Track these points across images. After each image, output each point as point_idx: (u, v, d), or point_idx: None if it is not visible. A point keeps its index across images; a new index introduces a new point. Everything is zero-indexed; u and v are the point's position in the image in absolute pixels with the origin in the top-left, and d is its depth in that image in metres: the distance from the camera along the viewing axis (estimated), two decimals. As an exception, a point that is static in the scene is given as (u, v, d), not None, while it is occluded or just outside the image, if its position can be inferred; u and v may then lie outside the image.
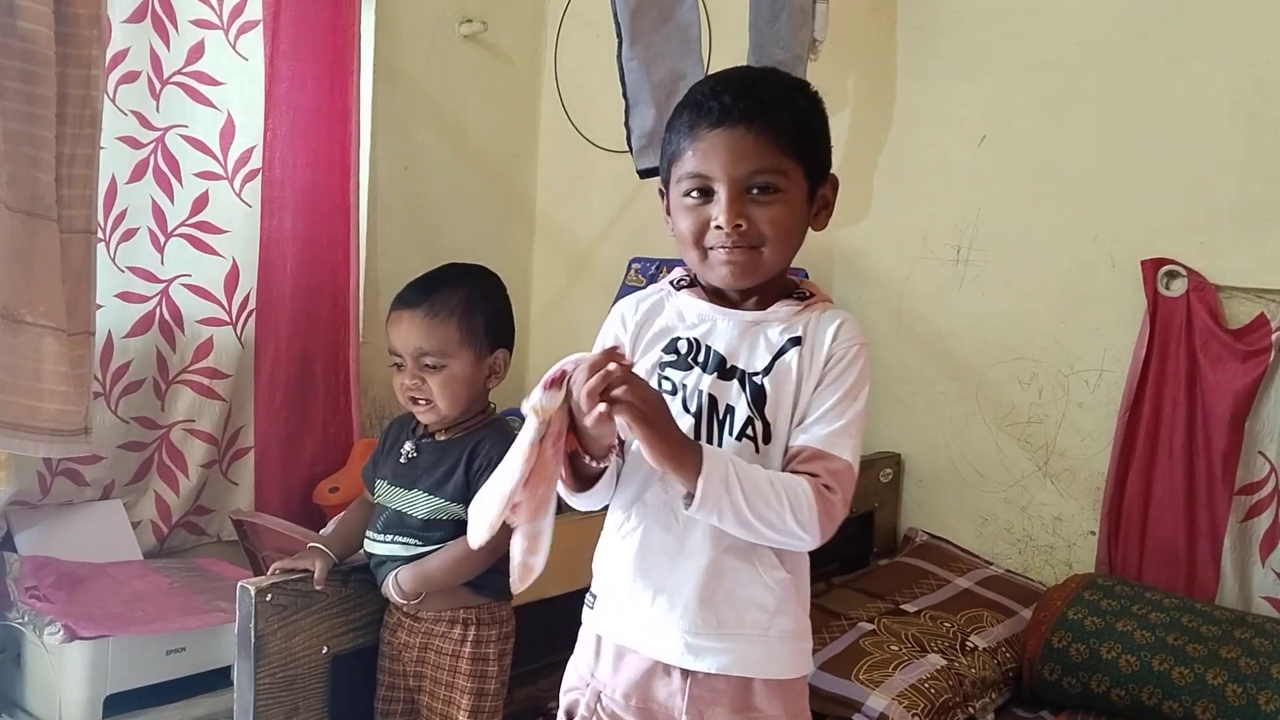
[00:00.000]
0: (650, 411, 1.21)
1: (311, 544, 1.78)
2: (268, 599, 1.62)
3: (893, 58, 2.84)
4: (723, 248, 1.33)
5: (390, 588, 1.72)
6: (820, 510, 1.27)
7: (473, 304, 1.75)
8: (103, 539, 2.53)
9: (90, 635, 2.10)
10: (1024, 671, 2.21)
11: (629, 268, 3.13)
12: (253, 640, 1.61)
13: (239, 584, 1.62)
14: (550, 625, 1.71)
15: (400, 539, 1.74)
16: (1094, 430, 2.53)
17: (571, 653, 1.48)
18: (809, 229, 1.40)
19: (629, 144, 2.49)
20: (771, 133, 1.31)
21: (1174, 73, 2.41)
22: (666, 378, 1.37)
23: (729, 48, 2.77)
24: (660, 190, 1.44)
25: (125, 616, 2.19)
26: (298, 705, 1.68)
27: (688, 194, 1.35)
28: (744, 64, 2.59)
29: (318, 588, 1.68)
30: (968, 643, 2.22)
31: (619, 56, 2.41)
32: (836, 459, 1.31)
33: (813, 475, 1.29)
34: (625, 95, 2.45)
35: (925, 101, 2.79)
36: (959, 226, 2.72)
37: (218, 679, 2.27)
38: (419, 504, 1.74)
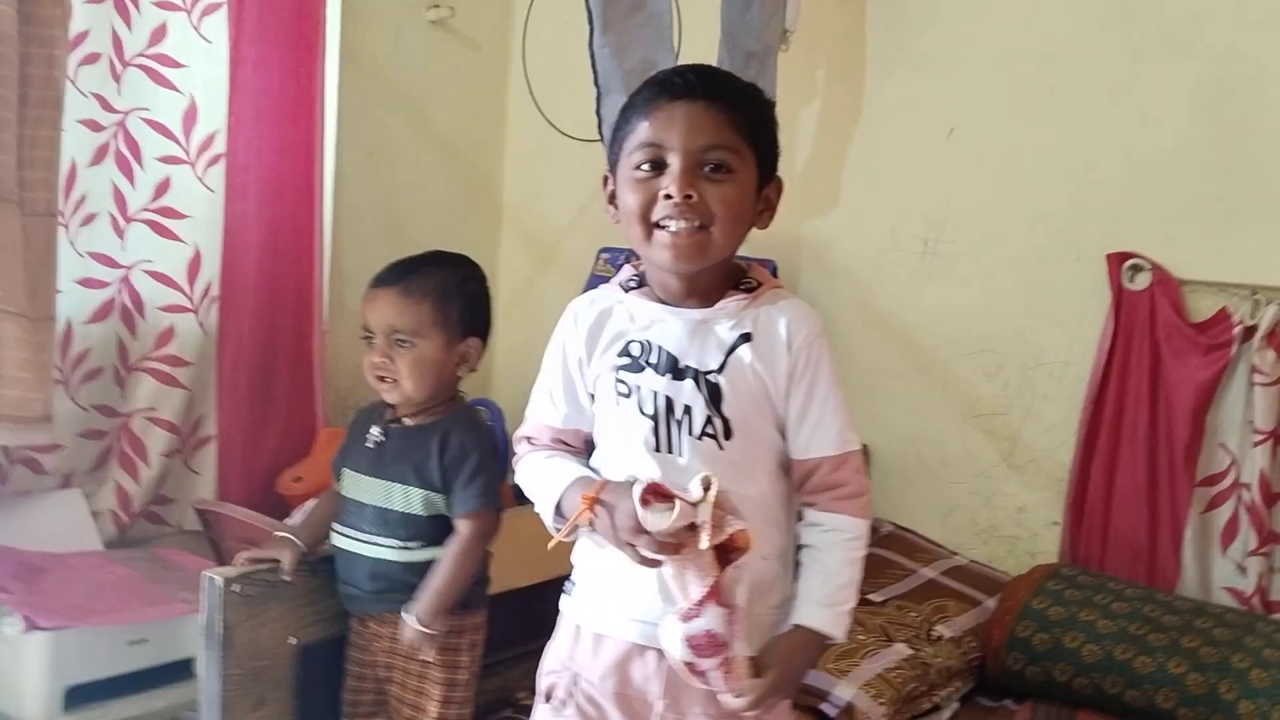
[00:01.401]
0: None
1: (280, 534, 1.77)
2: (235, 589, 1.60)
3: (862, 50, 2.84)
4: (670, 221, 1.31)
5: (413, 636, 1.67)
6: (862, 520, 1.38)
7: (449, 288, 1.74)
8: (62, 529, 2.48)
9: (50, 626, 2.06)
10: (988, 660, 2.23)
11: (597, 257, 3.12)
12: (219, 631, 1.59)
13: (205, 574, 1.60)
14: (521, 616, 1.70)
15: (382, 540, 1.71)
16: (1058, 422, 2.55)
17: (547, 640, 1.48)
18: (751, 224, 1.40)
19: (600, 132, 2.48)
20: (731, 112, 1.32)
21: (1140, 68, 2.43)
22: (621, 380, 1.38)
23: (699, 37, 2.76)
24: (604, 177, 1.42)
25: (86, 607, 2.15)
26: (264, 697, 1.67)
27: (639, 166, 1.33)
28: (714, 53, 2.60)
29: (286, 578, 1.67)
30: (933, 632, 2.23)
31: (590, 44, 2.40)
32: (851, 455, 1.38)
33: (841, 494, 1.36)
34: (596, 83, 2.44)
35: (894, 94, 2.80)
36: (927, 219, 2.74)
37: (180, 670, 2.24)
38: (395, 496, 1.71)
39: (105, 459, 2.67)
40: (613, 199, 1.40)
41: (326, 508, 1.85)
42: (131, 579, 2.33)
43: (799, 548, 1.41)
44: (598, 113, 2.47)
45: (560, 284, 3.36)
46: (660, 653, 1.34)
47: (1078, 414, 2.49)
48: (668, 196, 1.30)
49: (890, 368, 2.80)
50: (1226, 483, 2.34)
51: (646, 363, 1.36)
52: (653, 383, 1.35)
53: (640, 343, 1.38)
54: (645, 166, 1.33)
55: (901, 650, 2.13)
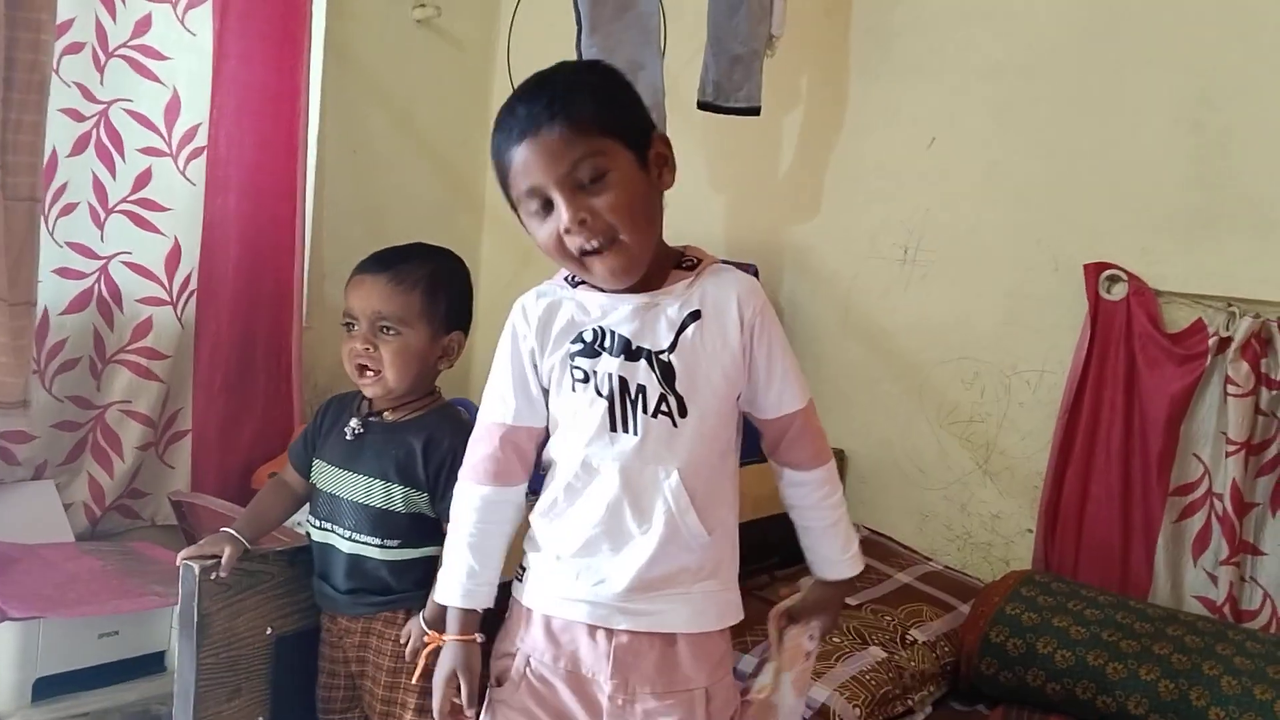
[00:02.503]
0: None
1: (222, 529, 1.71)
2: (211, 577, 1.59)
3: (846, 58, 2.86)
4: (588, 248, 1.34)
5: (419, 638, 1.65)
6: (832, 460, 1.53)
7: (438, 280, 1.73)
8: (34, 520, 2.47)
9: (20, 616, 2.04)
10: (962, 665, 2.23)
11: (578, 258, 3.12)
12: (195, 620, 1.58)
13: (183, 561, 1.59)
14: (501, 607, 1.69)
15: (360, 536, 1.69)
16: (1034, 430, 2.57)
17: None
18: (660, 191, 1.43)
19: (584, 132, 2.49)
20: (571, 122, 1.33)
21: (1121, 81, 2.45)
22: (577, 366, 1.41)
23: (686, 41, 2.77)
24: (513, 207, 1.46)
25: (57, 598, 2.13)
26: (240, 687, 1.65)
27: (532, 213, 1.37)
28: (701, 58, 2.61)
29: (223, 574, 1.62)
30: (908, 636, 2.24)
31: (578, 44, 2.40)
32: (811, 403, 1.50)
33: (813, 450, 1.49)
34: (583, 84, 2.44)
35: (876, 102, 2.82)
36: (907, 227, 2.75)
37: (151, 663, 2.23)
38: (374, 492, 1.69)
39: (79, 451, 2.66)
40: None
41: (271, 499, 1.82)
42: (103, 571, 2.32)
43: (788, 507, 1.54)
44: (583, 113, 2.47)
45: (540, 282, 3.35)
46: (609, 632, 1.40)
47: (1053, 422, 2.51)
48: (566, 230, 1.33)
49: (869, 374, 2.81)
50: (1199, 492, 2.36)
51: (601, 347, 1.40)
52: (608, 365, 1.39)
53: (594, 329, 1.41)
54: (534, 208, 1.36)
55: (876, 654, 2.13)
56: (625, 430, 1.38)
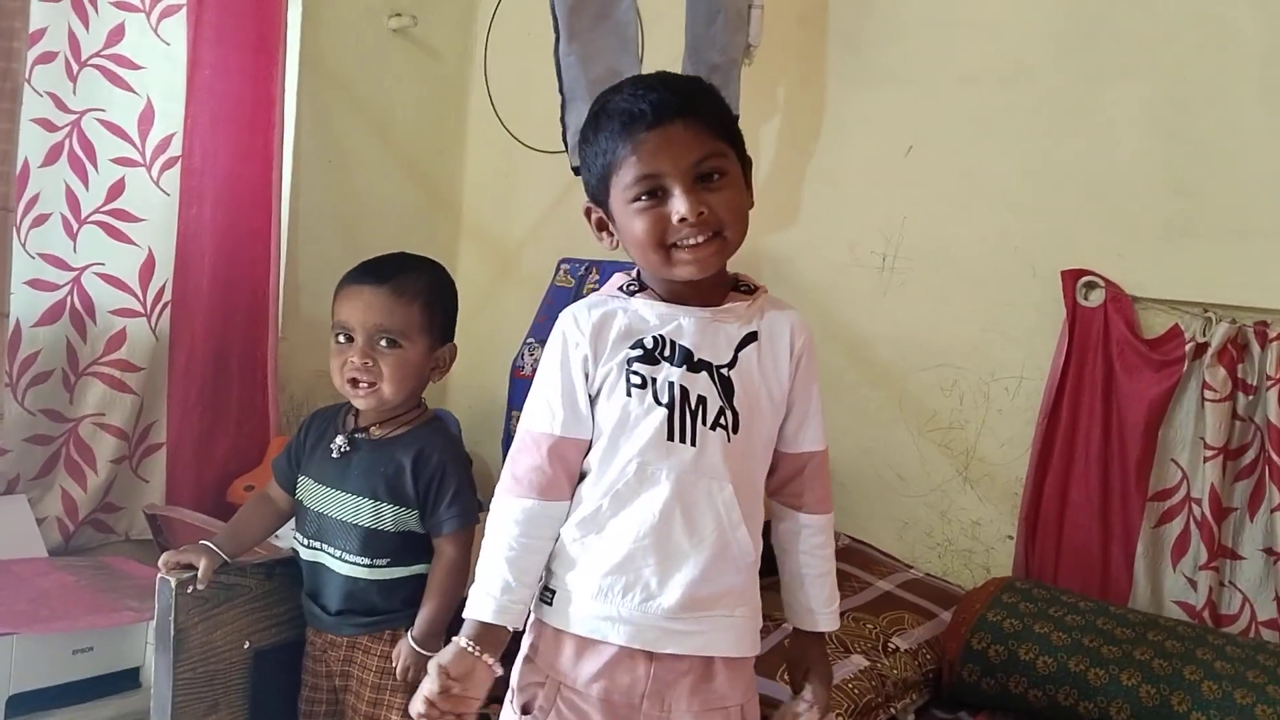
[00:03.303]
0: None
1: (200, 542, 1.69)
2: (189, 591, 1.57)
3: (822, 67, 2.87)
4: (689, 241, 1.34)
5: (410, 657, 1.64)
6: (832, 513, 1.53)
7: (435, 292, 1.72)
8: (6, 535, 2.43)
9: (-7, 632, 2.02)
10: (944, 672, 2.23)
11: (558, 268, 3.11)
12: (172, 634, 1.56)
13: (160, 575, 1.57)
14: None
15: (351, 557, 1.67)
16: (1013, 437, 2.57)
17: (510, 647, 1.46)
18: None
19: (564, 140, 2.48)
20: (704, 121, 1.35)
21: (1096, 88, 2.47)
22: (635, 373, 1.39)
23: (664, 49, 2.77)
24: (587, 209, 1.45)
25: (30, 614, 2.10)
26: (218, 701, 1.63)
27: (638, 198, 1.36)
28: (679, 65, 2.61)
29: (201, 587, 1.60)
30: (890, 644, 2.23)
31: (556, 52, 2.40)
32: (826, 452, 1.52)
33: (822, 495, 1.50)
34: (561, 91, 2.44)
35: (853, 111, 2.82)
36: (885, 235, 2.76)
37: (126, 680, 2.20)
38: (363, 512, 1.67)
39: (52, 465, 2.63)
40: (601, 227, 1.44)
41: (254, 513, 1.79)
42: (77, 587, 2.29)
43: (782, 550, 1.53)
44: (562, 120, 2.47)
45: (520, 295, 3.35)
46: (648, 655, 1.36)
47: (1032, 429, 2.51)
48: (682, 220, 1.33)
49: (848, 381, 2.81)
50: (1178, 498, 2.37)
51: (661, 356, 1.39)
52: (669, 373, 1.38)
53: (655, 337, 1.40)
54: (644, 197, 1.35)
55: (859, 662, 2.13)
56: (684, 440, 1.36)
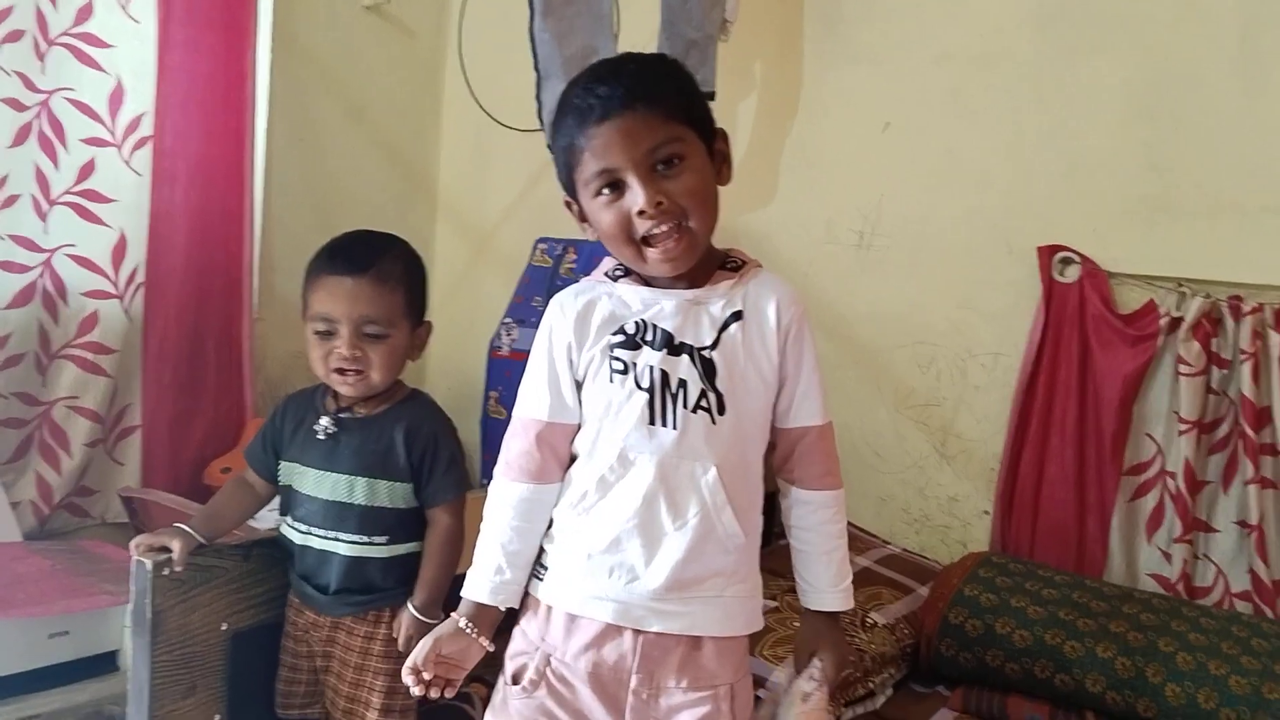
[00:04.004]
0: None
1: (175, 524, 1.66)
2: (165, 573, 1.56)
3: (799, 44, 2.86)
4: (655, 235, 1.34)
5: (413, 626, 1.62)
6: (841, 489, 1.49)
7: (412, 273, 1.69)
8: (-21, 519, 2.42)
9: (-33, 618, 2.00)
10: (922, 647, 2.25)
11: (534, 248, 3.10)
12: (149, 616, 1.54)
13: (135, 557, 1.55)
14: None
15: (345, 536, 1.65)
16: (990, 413, 2.59)
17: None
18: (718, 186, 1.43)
19: (540, 118, 2.47)
20: (655, 106, 1.33)
21: (1073, 65, 2.47)
22: (617, 358, 1.39)
23: (639, 25, 2.76)
24: (567, 202, 1.45)
25: (5, 599, 2.09)
26: (195, 684, 1.62)
27: (599, 193, 1.36)
28: (655, 41, 2.60)
29: (178, 569, 1.58)
30: (868, 619, 2.24)
31: (531, 29, 2.38)
32: (830, 425, 1.49)
33: (823, 470, 1.47)
34: (537, 68, 2.42)
35: (831, 88, 2.82)
36: (862, 213, 2.76)
37: (103, 663, 2.19)
38: (357, 490, 1.65)
39: (25, 448, 2.60)
40: (582, 219, 1.44)
41: (231, 498, 1.77)
42: (53, 571, 2.27)
43: (788, 527, 1.51)
44: (538, 98, 2.45)
45: (496, 274, 3.33)
46: (635, 631, 1.37)
47: (1009, 405, 2.53)
48: (640, 213, 1.33)
49: (826, 359, 2.73)
50: (1152, 471, 2.39)
51: (642, 340, 1.39)
52: (649, 358, 1.38)
53: (636, 322, 1.40)
54: (606, 191, 1.36)
55: (837, 637, 2.14)
56: (664, 424, 1.37)
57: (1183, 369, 2.30)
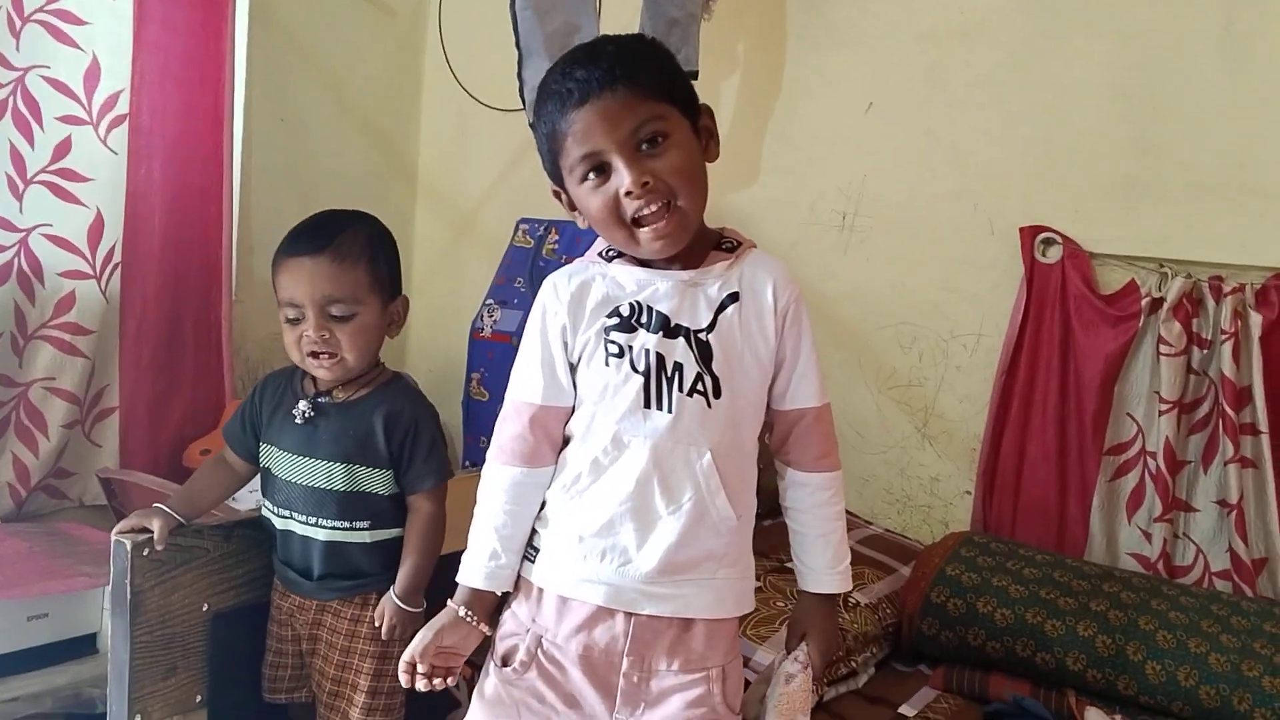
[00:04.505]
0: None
1: (154, 505, 1.64)
2: (145, 553, 1.54)
3: (782, 23, 2.85)
4: (644, 215, 1.33)
5: (395, 614, 1.62)
6: (839, 471, 1.49)
7: (376, 247, 1.65)
8: (-45, 501, 2.40)
9: (-56, 600, 1.99)
10: (903, 626, 2.25)
11: (516, 228, 3.08)
12: (129, 597, 1.53)
13: (115, 537, 1.54)
14: (453, 583, 1.67)
15: (325, 522, 1.64)
16: (971, 393, 2.59)
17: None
18: (706, 163, 1.42)
19: (521, 96, 2.45)
20: (634, 85, 1.32)
21: (1055, 46, 2.47)
22: (612, 341, 1.38)
23: (622, 2, 2.74)
24: (555, 191, 1.44)
25: (-18, 581, 2.08)
26: (176, 664, 1.61)
27: (585, 178, 1.35)
28: (638, 21, 2.58)
29: (159, 549, 1.57)
30: (850, 599, 2.25)
31: (511, 6, 2.36)
32: (828, 407, 1.48)
33: (821, 452, 1.46)
34: (518, 45, 2.40)
35: (813, 68, 2.81)
36: (845, 193, 2.76)
37: (83, 645, 2.18)
38: (336, 476, 1.63)
39: (2, 430, 2.59)
40: (571, 207, 1.43)
41: (209, 477, 1.75)
42: (31, 553, 2.26)
43: (784, 509, 1.50)
44: (519, 76, 2.43)
45: (478, 255, 3.32)
46: (627, 614, 1.37)
47: (991, 385, 2.53)
48: (628, 193, 1.32)
49: (808, 340, 2.80)
50: (1133, 451, 2.39)
51: (638, 322, 1.38)
52: (645, 340, 1.37)
53: (631, 304, 1.39)
54: (591, 175, 1.34)
55: (819, 617, 2.14)
56: (659, 408, 1.36)
57: (1164, 349, 2.30)
